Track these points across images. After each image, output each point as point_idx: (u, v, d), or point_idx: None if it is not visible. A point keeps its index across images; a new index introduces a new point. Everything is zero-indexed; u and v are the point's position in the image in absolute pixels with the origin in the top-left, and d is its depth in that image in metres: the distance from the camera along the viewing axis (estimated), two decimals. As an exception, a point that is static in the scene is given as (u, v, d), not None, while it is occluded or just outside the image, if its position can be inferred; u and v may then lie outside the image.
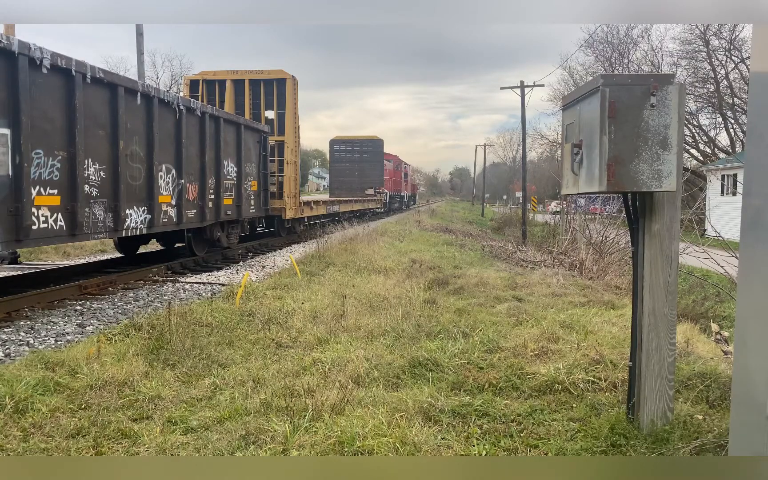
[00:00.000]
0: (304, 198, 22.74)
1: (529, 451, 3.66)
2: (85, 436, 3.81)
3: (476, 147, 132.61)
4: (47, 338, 6.64)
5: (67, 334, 6.87)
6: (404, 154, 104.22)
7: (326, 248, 14.22)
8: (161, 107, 10.08)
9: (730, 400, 2.57)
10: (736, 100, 37.02)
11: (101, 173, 8.56)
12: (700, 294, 12.98)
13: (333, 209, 25.28)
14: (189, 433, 3.90)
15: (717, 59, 37.66)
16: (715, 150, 40.39)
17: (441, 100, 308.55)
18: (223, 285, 10.28)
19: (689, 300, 12.53)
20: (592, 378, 4.72)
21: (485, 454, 3.58)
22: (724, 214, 20.02)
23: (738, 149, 36.02)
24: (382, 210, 38.71)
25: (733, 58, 36.64)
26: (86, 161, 8.18)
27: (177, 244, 13.80)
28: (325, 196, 36.04)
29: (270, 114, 18.21)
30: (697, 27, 36.62)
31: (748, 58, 31.66)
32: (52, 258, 14.12)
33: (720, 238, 7.67)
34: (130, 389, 4.64)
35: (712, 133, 40.92)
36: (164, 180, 10.30)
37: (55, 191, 7.63)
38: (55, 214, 7.65)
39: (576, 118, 3.94)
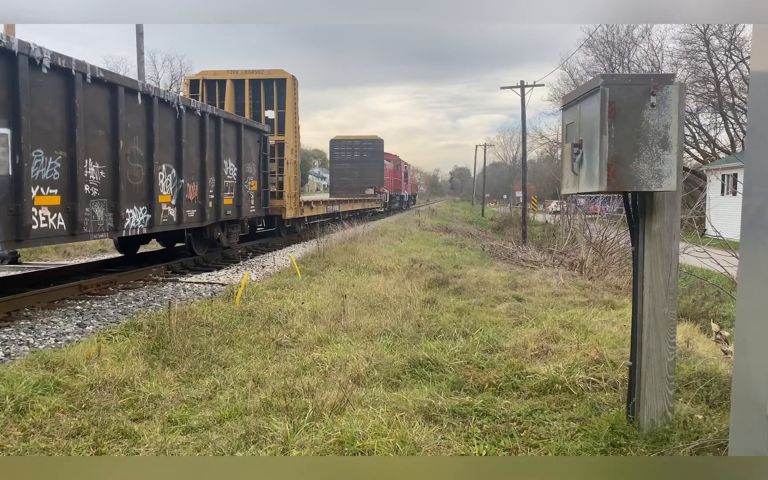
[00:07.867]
0: (304, 198, 22.73)
1: (529, 451, 3.66)
2: (85, 436, 3.81)
3: (476, 147, 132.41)
4: (47, 338, 6.64)
5: (67, 333, 6.87)
6: (404, 154, 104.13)
7: (326, 248, 14.22)
8: (161, 107, 10.08)
9: (730, 400, 2.57)
10: (736, 99, 37.03)
11: (101, 173, 8.55)
12: (700, 294, 12.96)
13: (333, 209, 25.28)
14: (189, 433, 3.90)
15: (717, 59, 37.69)
16: (715, 150, 40.40)
17: (441, 99, 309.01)
18: (223, 285, 10.28)
19: (689, 300, 12.51)
20: (592, 378, 4.71)
21: (485, 454, 3.58)
22: (724, 214, 20.02)
23: (738, 149, 36.02)
24: (382, 210, 38.69)
25: (733, 57, 36.70)
26: (86, 161, 8.17)
27: (177, 244, 13.80)
28: (325, 196, 36.02)
29: (270, 114, 18.20)
30: (697, 27, 36.66)
31: (748, 57, 31.65)
32: (52, 258, 14.12)
33: (720, 238, 7.67)
34: (130, 389, 4.64)
35: (712, 133, 40.98)
36: (164, 180, 10.30)
37: (55, 191, 7.62)
38: (55, 214, 7.65)
39: (576, 117, 3.94)
